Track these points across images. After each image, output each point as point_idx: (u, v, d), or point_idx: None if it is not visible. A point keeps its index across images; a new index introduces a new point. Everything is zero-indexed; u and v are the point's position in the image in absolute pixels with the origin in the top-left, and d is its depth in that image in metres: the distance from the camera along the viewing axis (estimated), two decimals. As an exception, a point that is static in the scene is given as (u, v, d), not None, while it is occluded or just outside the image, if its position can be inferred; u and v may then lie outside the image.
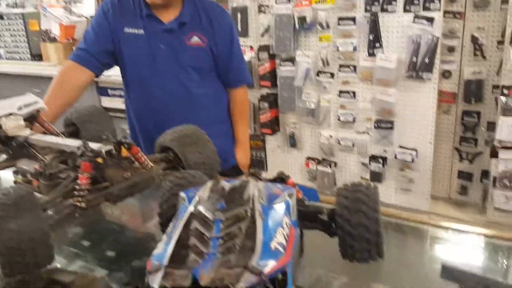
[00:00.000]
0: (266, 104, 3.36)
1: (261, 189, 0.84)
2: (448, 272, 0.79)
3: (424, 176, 2.97)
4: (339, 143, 3.24)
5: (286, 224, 0.79)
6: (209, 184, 0.85)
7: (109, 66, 1.95)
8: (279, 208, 0.81)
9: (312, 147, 3.40)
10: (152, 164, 1.12)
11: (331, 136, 3.26)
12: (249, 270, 0.64)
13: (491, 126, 2.79)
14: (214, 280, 0.62)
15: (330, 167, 3.31)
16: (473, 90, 2.85)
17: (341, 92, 3.10)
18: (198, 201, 0.80)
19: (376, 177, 3.10)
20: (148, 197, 1.24)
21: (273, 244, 0.72)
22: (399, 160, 3.00)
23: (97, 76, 1.93)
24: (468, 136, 2.97)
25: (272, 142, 3.58)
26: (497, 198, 2.69)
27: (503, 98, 2.53)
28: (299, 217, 0.94)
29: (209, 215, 0.76)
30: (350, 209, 0.91)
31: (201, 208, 0.77)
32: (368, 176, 3.16)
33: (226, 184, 0.85)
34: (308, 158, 3.41)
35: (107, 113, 1.56)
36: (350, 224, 0.90)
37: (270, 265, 0.67)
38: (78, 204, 0.97)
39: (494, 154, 2.65)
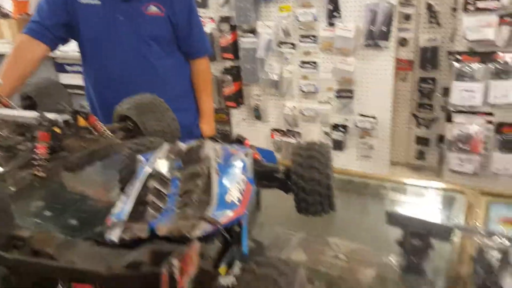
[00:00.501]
0: (229, 77, 3.37)
1: (217, 149, 0.87)
2: (393, 218, 0.85)
3: (384, 142, 3.08)
4: (303, 113, 3.30)
5: (242, 180, 0.83)
6: (166, 146, 0.88)
7: (65, 40, 1.90)
8: (235, 166, 0.85)
9: (276, 118, 3.45)
10: (110, 133, 1.13)
11: (294, 107, 3.32)
12: (205, 220, 0.68)
13: (447, 92, 2.91)
14: (171, 230, 0.65)
15: (294, 137, 3.37)
16: (429, 57, 2.95)
17: (303, 62, 3.14)
18: (155, 161, 0.82)
19: (338, 145, 3.19)
20: (109, 166, 1.25)
21: (229, 197, 0.76)
22: (360, 128, 3.09)
23: (52, 49, 1.88)
24: (424, 102, 3.08)
25: (237, 115, 3.60)
26: (452, 161, 2.83)
27: (456, 64, 2.63)
28: (256, 176, 0.99)
29: (166, 173, 0.79)
30: (303, 166, 0.96)
31: (158, 168, 0.80)
32: (330, 145, 3.24)
33: (182, 145, 0.88)
34: (273, 130, 3.46)
35: (63, 86, 1.54)
36: (304, 179, 0.95)
37: (225, 216, 0.71)
38: (37, 173, 0.98)
39: (448, 118, 2.78)
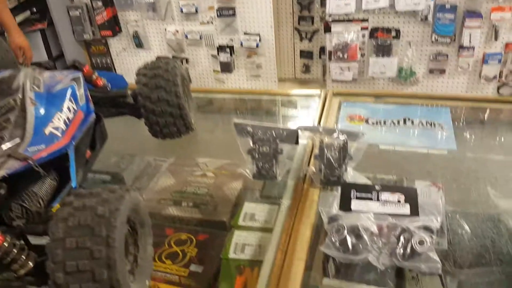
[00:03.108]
0: (99, 3, 3.05)
1: (36, 77, 0.76)
2: (240, 128, 0.84)
3: (270, 60, 3.07)
4: (186, 37, 3.15)
5: (69, 108, 0.74)
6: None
7: None
8: (60, 93, 0.76)
9: (160, 45, 3.26)
10: None
11: (177, 31, 3.14)
12: (13, 157, 0.60)
13: (324, 2, 2.92)
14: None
15: (182, 63, 3.24)
16: (305, -32, 2.91)
17: (178, -20, 2.93)
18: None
19: (226, 67, 3.13)
20: None
21: (48, 130, 0.67)
22: (245, 47, 3.04)
23: None
24: (305, 15, 3.08)
25: (116, 45, 3.33)
26: (333, 70, 2.92)
27: (329, -27, 2.62)
28: (100, 104, 0.90)
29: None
30: (149, 86, 0.89)
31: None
32: (219, 68, 3.18)
33: (-6, 76, 0.75)
34: (158, 58, 3.27)
35: None
36: (151, 100, 0.89)
37: (41, 150, 0.63)
38: None
39: (327, 29, 2.82)
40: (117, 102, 0.95)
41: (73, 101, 0.76)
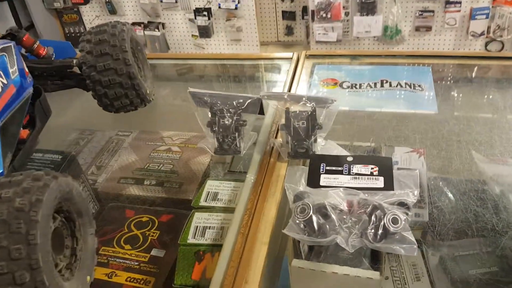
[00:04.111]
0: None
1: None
2: (196, 98, 0.75)
3: (250, 22, 2.94)
4: (161, 0, 2.99)
5: (-6, 83, 0.65)
6: None
7: None
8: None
9: (133, 10, 3.10)
10: None
11: (151, -5, 2.97)
12: None
13: (305, -41, 2.77)
14: None
15: (159, 29, 3.09)
16: None
17: None
18: None
19: (205, 31, 2.99)
20: None
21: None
22: (223, 9, 2.89)
23: None
24: (285, -27, 2.93)
25: (89, 13, 3.17)
26: (317, 31, 2.81)
27: None
28: (42, 76, 0.80)
29: None
30: (93, 54, 0.79)
31: None
32: (197, 33, 3.04)
33: None
34: (134, 24, 3.12)
35: None
36: (96, 70, 0.79)
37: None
38: None
39: (308, -13, 2.68)
40: (62, 73, 0.85)
41: (2, 75, 0.67)
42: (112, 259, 0.80)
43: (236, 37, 3.05)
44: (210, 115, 0.74)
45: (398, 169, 0.89)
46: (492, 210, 0.76)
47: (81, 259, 0.57)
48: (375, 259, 0.65)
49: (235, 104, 0.75)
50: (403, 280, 0.81)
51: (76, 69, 0.86)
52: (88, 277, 0.56)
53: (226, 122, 0.75)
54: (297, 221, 0.58)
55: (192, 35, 3.12)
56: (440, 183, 0.90)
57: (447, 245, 0.81)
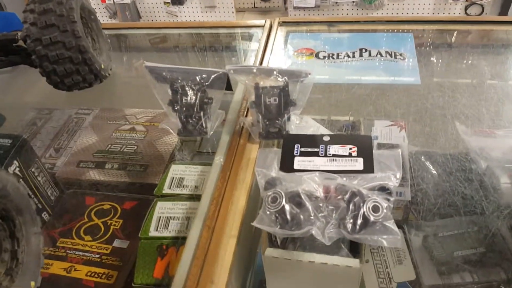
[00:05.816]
0: None
1: None
2: (154, 73, 0.67)
3: (225, -13, 2.80)
4: (130, -34, 2.81)
5: None
6: None
7: None
8: None
9: (101, -24, 2.91)
10: None
11: (118, -41, 2.79)
12: None
13: None
14: None
15: (128, -3, 2.92)
16: None
17: None
18: None
19: (177, -2, 2.84)
20: None
21: None
22: (196, -26, 2.74)
23: None
24: None
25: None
26: (295, -4, 2.69)
27: None
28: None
29: None
30: (38, 25, 0.70)
31: None
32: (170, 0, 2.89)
33: None
34: (101, -9, 2.94)
35: None
36: (42, 43, 0.70)
37: None
38: None
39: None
40: (7, 48, 0.75)
41: None
42: (71, 252, 0.74)
43: (210, 3, 2.91)
44: (170, 93, 0.67)
45: (378, 144, 0.83)
46: (478, 184, 0.71)
47: (23, 263, 0.50)
48: (355, 244, 0.60)
49: (198, 79, 0.67)
50: (384, 263, 0.77)
51: (23, 44, 0.76)
52: (33, 283, 0.50)
53: (190, 100, 0.67)
54: (268, 212, 0.52)
55: (164, 2, 2.97)
56: (423, 157, 0.85)
57: (431, 225, 0.77)
